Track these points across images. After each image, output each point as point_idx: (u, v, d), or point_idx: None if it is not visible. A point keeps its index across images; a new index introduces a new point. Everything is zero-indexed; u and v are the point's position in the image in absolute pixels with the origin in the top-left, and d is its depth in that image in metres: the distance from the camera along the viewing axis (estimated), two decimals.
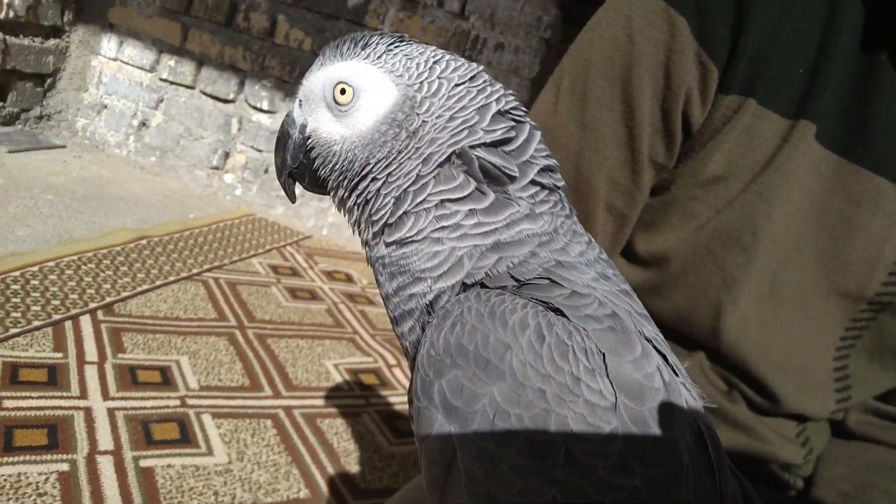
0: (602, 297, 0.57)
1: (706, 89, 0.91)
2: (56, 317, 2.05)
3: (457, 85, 0.62)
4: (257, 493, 1.61)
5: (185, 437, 1.72)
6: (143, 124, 3.64)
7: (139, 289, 2.38)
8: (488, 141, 0.61)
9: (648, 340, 0.57)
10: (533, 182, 0.62)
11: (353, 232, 0.68)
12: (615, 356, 0.53)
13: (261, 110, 3.52)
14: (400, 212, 0.63)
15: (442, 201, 0.61)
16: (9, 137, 3.26)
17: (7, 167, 3.00)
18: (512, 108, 0.63)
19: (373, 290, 2.94)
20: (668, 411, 0.53)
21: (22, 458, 1.48)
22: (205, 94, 3.56)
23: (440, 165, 0.62)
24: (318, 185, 0.71)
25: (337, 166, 0.66)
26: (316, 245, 3.32)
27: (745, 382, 1.00)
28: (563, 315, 0.55)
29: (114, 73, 3.63)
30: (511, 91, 0.66)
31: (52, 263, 2.34)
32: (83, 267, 2.40)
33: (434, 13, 3.37)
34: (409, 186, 0.62)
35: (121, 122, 3.65)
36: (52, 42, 3.50)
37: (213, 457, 1.68)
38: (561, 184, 0.66)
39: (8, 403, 1.63)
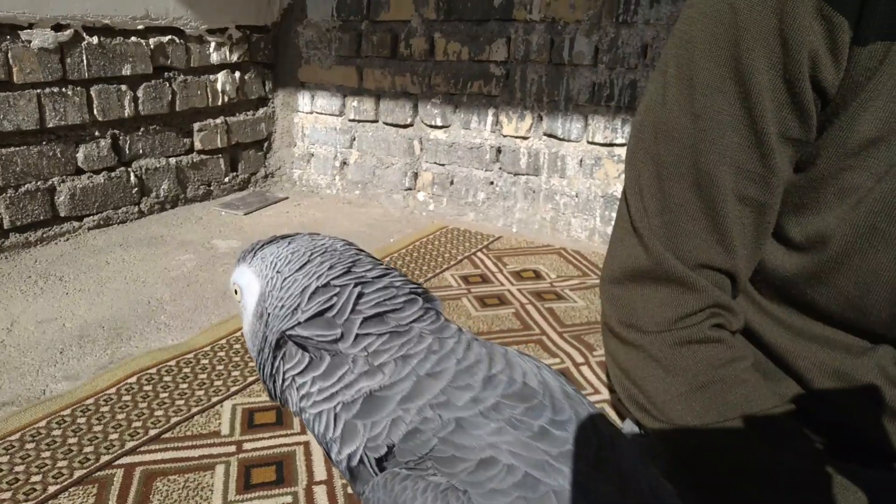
0: (508, 457, 0.59)
1: (836, 46, 0.80)
2: None
3: (286, 278, 0.69)
4: None
5: None
6: (344, 163, 4.08)
7: None
8: (303, 319, 0.66)
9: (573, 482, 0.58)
10: (364, 335, 0.65)
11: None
12: None
13: (436, 127, 3.73)
14: (279, 391, 0.72)
15: (293, 377, 0.69)
16: (244, 201, 3.89)
17: (244, 229, 3.60)
18: (333, 279, 0.67)
19: (560, 282, 2.98)
20: None
21: (258, 493, 1.83)
22: (386, 124, 3.87)
23: (278, 348, 0.70)
24: None
25: (254, 356, 0.77)
26: (505, 245, 3.45)
27: None
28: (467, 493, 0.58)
29: (312, 124, 4.11)
30: (341, 259, 0.70)
31: None
32: None
33: None
34: (270, 370, 0.72)
35: (326, 166, 4.13)
36: (261, 111, 4.08)
37: None
38: (408, 321, 0.67)
39: (247, 445, 2.01)
